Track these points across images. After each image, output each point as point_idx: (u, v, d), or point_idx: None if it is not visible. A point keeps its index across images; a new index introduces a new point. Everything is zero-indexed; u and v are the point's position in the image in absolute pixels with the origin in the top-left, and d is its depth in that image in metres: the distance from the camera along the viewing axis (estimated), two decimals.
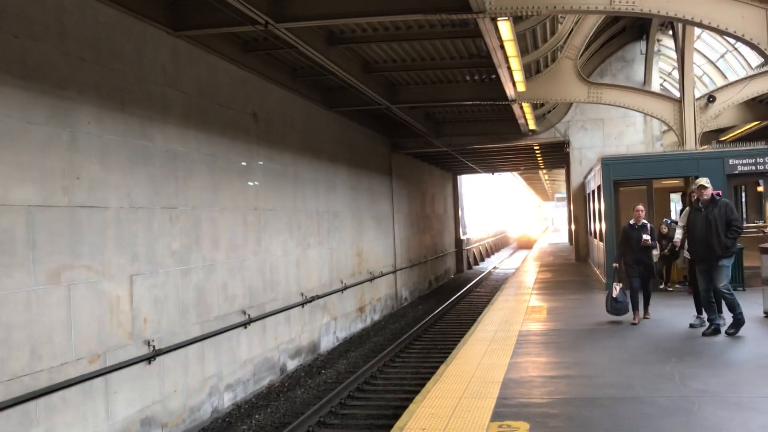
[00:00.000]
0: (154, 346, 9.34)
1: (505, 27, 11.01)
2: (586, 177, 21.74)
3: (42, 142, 7.66)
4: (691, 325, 10.00)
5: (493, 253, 50.91)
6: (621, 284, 10.77)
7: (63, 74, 8.01)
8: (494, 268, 39.78)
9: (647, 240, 10.62)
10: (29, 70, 7.54)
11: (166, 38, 10.16)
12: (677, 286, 14.67)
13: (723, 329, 9.35)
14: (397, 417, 9.15)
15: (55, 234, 7.76)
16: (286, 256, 14.13)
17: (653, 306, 11.57)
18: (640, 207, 10.98)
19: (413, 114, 19.03)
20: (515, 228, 66.99)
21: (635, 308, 10.80)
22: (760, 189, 19.16)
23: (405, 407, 9.84)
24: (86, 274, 8.23)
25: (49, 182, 7.72)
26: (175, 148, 10.21)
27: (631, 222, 10.90)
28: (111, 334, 8.58)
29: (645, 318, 10.88)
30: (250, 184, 12.69)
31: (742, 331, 9.26)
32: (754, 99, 20.29)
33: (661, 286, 14.57)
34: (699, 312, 10.13)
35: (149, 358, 9.24)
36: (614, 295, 10.75)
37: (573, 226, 26.50)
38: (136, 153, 9.29)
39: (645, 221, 10.87)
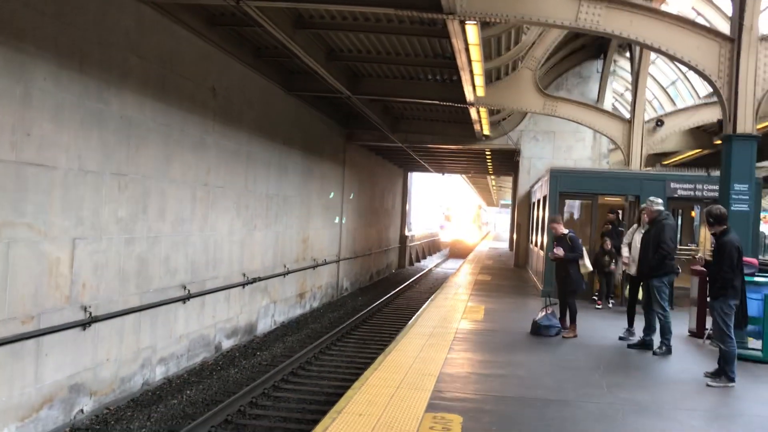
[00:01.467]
0: (90, 312, 9.18)
1: (472, 30, 11.16)
2: (533, 186, 22.24)
3: None
4: (620, 338, 10.26)
5: (426, 256, 48.28)
6: (549, 307, 10.70)
7: (21, 25, 7.77)
8: (435, 266, 40.19)
9: (554, 253, 10.51)
10: None
11: (132, 2, 9.96)
12: (594, 298, 14.21)
13: (654, 347, 9.56)
14: (330, 403, 9.25)
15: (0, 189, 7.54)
16: (231, 236, 14.05)
17: (584, 318, 11.83)
18: (554, 218, 11.00)
19: (372, 106, 19.09)
20: (451, 230, 57.47)
21: (562, 319, 10.73)
22: (694, 214, 19.89)
23: (339, 394, 9.96)
24: (27, 232, 8.03)
25: None
26: (130, 115, 10.03)
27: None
28: (47, 296, 8.40)
29: (566, 336, 10.39)
30: (202, 158, 12.57)
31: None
32: (699, 127, 21.07)
33: (598, 306, 13.90)
34: (630, 325, 10.42)
35: (84, 324, 9.07)
36: (537, 318, 10.67)
37: (515, 233, 26.92)
38: (91, 115, 9.10)
39: (566, 233, 10.62)
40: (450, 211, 58.02)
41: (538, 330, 10.55)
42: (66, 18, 8.50)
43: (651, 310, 9.63)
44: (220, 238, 13.48)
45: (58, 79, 8.39)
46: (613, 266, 13.56)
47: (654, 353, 9.37)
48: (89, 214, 9.16)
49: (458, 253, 48.36)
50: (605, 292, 14.04)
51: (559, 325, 10.65)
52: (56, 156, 8.45)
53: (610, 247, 13.52)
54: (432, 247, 50.67)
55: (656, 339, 9.60)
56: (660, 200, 9.79)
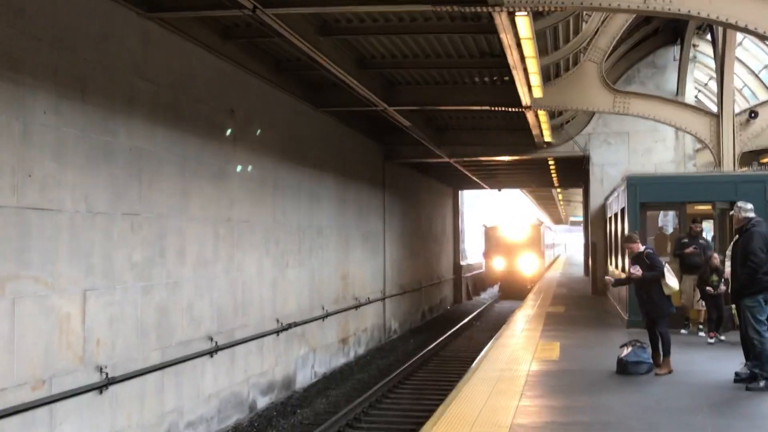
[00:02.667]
0: (107, 374, 9.36)
1: (523, 23, 11.19)
2: (607, 198, 21.97)
3: None
4: (737, 375, 9.59)
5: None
6: (635, 342, 10.56)
7: (18, 56, 8.08)
8: (496, 300, 39.95)
9: (631, 272, 10.42)
10: None
11: (136, 20, 10.28)
12: (700, 328, 13.74)
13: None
14: None
15: (1, 238, 7.79)
16: (261, 276, 14.21)
17: (684, 352, 11.49)
18: (629, 237, 10.93)
19: (412, 118, 19.20)
20: (498, 259, 43.04)
21: (654, 352, 10.54)
22: None
23: None
24: (34, 286, 8.26)
25: None
26: (140, 146, 10.29)
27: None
28: (59, 357, 8.60)
29: (658, 373, 10.23)
30: (224, 190, 12.79)
31: None
32: None
33: (710, 340, 12.95)
34: (747, 357, 9.78)
35: (101, 387, 9.25)
36: (622, 355, 10.47)
37: (590, 255, 26.61)
38: (97, 150, 9.37)
39: (641, 249, 10.55)
40: (495, 231, 43.67)
41: (624, 368, 10.35)
42: (64, 43, 8.81)
43: (744, 338, 9.38)
44: (248, 279, 13.65)
45: (59, 110, 8.68)
46: (722, 287, 12.51)
47: (747, 389, 9.07)
48: (100, 260, 9.39)
49: (512, 290, 40.40)
50: (715, 320, 13.01)
51: (651, 361, 10.44)
52: (61, 197, 8.71)
53: (717, 263, 12.70)
54: (477, 282, 45.03)
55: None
56: (750, 205, 9.53)
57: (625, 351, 10.53)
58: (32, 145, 8.26)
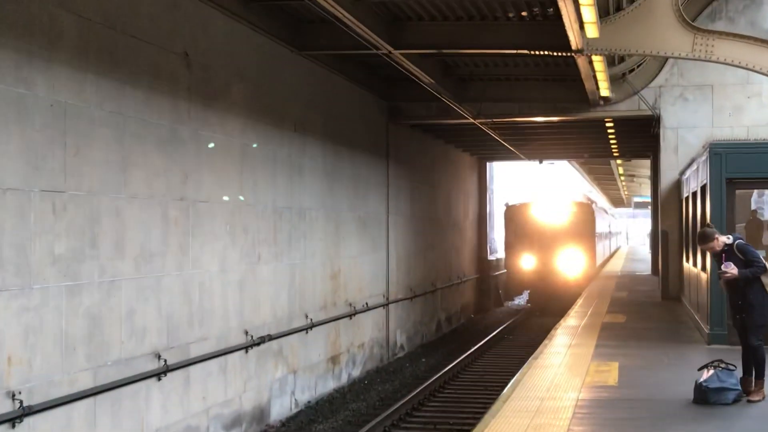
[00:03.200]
0: (21, 401, 9.28)
1: None
2: (683, 172, 21.88)
3: None
4: None
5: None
6: (719, 363, 10.60)
7: None
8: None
9: (724, 272, 10.39)
10: None
11: None
12: None
13: None
14: None
15: None
16: (224, 274, 14.17)
17: None
18: (704, 234, 10.98)
19: (425, 65, 19.02)
20: (527, 255, 36.95)
21: (746, 376, 10.67)
22: None
23: None
24: None
25: None
26: (65, 101, 10.20)
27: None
28: None
29: (752, 399, 10.40)
30: (176, 160, 12.64)
31: None
32: None
33: None
34: None
35: (13, 420, 9.15)
36: (701, 380, 10.53)
37: (659, 247, 26.53)
38: (6, 105, 9.26)
39: (729, 241, 10.65)
40: (522, 212, 37.59)
41: (705, 396, 10.35)
42: None
43: None
44: (207, 278, 13.57)
45: None
46: None
47: None
48: (11, 252, 9.33)
49: (547, 300, 36.17)
50: None
51: (739, 387, 10.44)
52: None
53: None
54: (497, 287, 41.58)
55: None
56: None
57: (706, 374, 10.52)
58: None
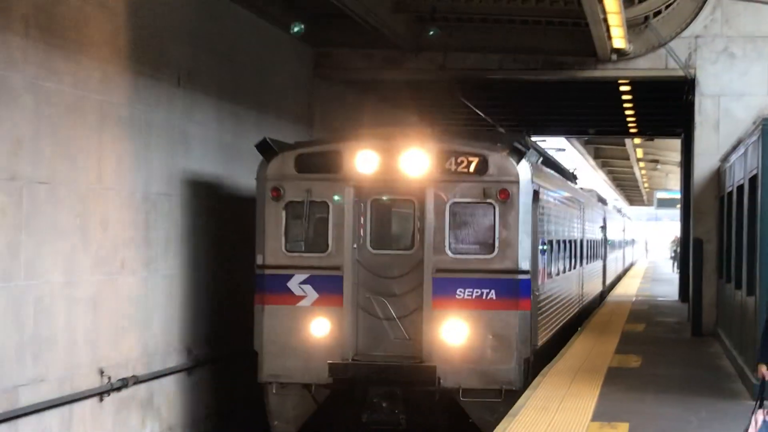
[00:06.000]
0: None
1: None
2: (726, 158, 16.06)
3: None
4: None
5: None
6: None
7: None
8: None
9: None
10: None
11: None
12: None
13: None
14: None
15: None
16: (71, 288, 10.21)
17: None
18: None
19: None
20: None
21: None
22: None
23: None
24: None
25: None
26: None
27: None
28: None
29: None
30: (4, 122, 9.06)
31: None
32: None
33: None
34: None
35: None
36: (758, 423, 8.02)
37: (691, 262, 19.76)
38: None
39: None
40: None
41: None
42: None
43: None
44: (47, 292, 9.79)
45: None
46: None
47: None
48: None
49: None
50: None
51: None
52: None
53: None
54: None
55: None
56: None
57: (754, 425, 8.00)
58: None
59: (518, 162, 10.35)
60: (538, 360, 11.92)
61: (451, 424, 10.24)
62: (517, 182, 10.26)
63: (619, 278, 37.01)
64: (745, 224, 13.17)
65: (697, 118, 17.65)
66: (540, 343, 11.94)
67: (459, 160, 10.21)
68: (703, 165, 17.87)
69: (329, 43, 17.85)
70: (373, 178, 10.34)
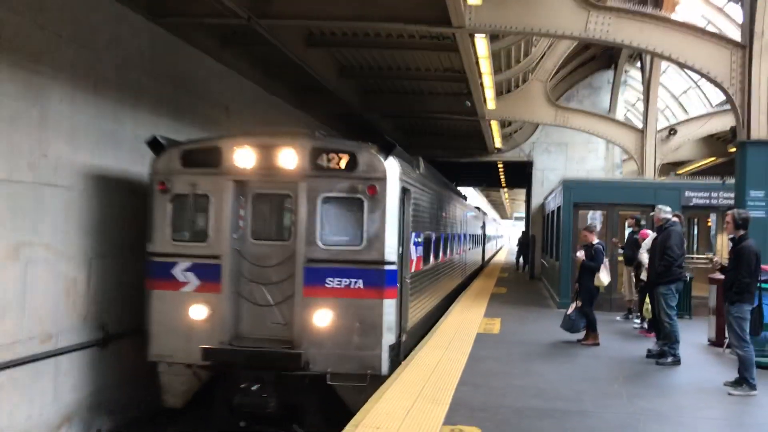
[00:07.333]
0: None
1: (482, 43, 11.32)
2: (546, 198, 21.99)
3: None
4: (649, 351, 9.78)
5: None
6: (577, 303, 10.82)
7: None
8: None
9: (576, 255, 10.93)
10: None
11: None
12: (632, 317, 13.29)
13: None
14: None
15: None
16: None
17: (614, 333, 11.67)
18: (588, 227, 11.34)
19: (384, 123, 18.96)
20: None
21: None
22: (710, 223, 19.80)
23: None
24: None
25: None
26: None
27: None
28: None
29: (584, 343, 10.59)
30: None
31: (687, 358, 9.37)
32: (712, 135, 21.17)
33: (630, 316, 13.22)
34: (659, 337, 9.96)
35: None
36: (568, 312, 10.89)
37: (529, 246, 26.84)
38: None
39: (594, 243, 10.84)
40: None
41: (566, 322, 10.66)
42: None
43: (656, 319, 9.64)
44: None
45: None
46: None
47: (657, 363, 9.27)
48: None
49: None
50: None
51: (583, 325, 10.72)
52: None
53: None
54: None
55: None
56: (668, 208, 9.84)
57: (571, 308, 10.79)
58: None
59: (386, 159, 8.68)
60: (413, 336, 10.33)
61: (322, 406, 8.69)
62: (385, 179, 8.57)
63: (493, 255, 46.80)
64: (555, 229, 17.53)
65: (533, 180, 23.96)
66: (414, 323, 10.42)
67: (330, 157, 8.60)
68: (536, 201, 24.00)
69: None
70: (252, 173, 8.75)
